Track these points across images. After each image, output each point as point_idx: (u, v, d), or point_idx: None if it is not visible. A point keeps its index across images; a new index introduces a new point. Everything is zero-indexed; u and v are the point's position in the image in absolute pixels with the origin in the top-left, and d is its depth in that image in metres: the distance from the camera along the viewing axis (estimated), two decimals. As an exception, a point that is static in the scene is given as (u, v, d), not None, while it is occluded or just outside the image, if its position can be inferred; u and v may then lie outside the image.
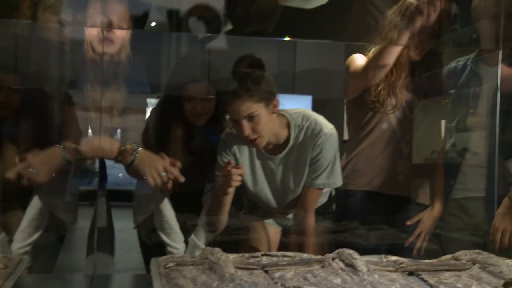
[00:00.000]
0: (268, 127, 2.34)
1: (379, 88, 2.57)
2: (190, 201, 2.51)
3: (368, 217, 2.63)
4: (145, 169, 2.19)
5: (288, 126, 2.42)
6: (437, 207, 2.66)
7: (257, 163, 2.46)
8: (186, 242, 2.45)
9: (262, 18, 2.48)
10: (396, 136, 2.64)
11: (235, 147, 2.43)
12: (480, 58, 2.74)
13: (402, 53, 2.54)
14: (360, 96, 2.63)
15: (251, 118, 2.29)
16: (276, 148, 2.43)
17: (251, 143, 2.36)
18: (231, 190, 2.34)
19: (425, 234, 2.65)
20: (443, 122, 2.82)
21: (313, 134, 2.39)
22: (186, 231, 2.47)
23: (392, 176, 2.64)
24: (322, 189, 2.47)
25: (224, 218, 2.40)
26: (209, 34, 2.67)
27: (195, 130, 2.48)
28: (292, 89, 3.12)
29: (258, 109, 2.29)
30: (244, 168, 2.39)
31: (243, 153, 2.45)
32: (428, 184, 2.70)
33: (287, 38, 2.70)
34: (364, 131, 2.65)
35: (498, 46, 2.59)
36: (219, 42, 2.72)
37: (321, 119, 2.45)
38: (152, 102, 2.58)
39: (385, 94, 2.58)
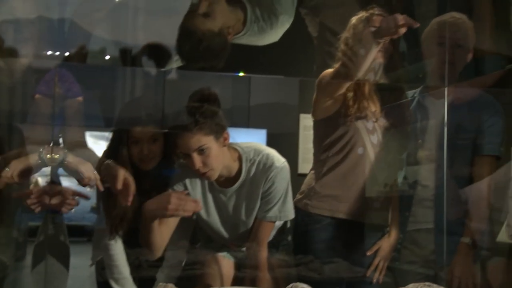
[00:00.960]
0: (219, 160, 2.35)
1: (352, 96, 2.59)
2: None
3: (328, 246, 2.62)
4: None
5: (240, 159, 2.43)
6: (394, 235, 2.69)
7: (209, 196, 2.46)
8: (139, 279, 2.42)
9: (210, 56, 2.50)
10: (371, 161, 2.64)
11: (187, 180, 2.43)
12: (427, 91, 2.83)
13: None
14: (333, 115, 2.63)
15: (201, 151, 2.30)
16: (227, 181, 2.44)
17: (202, 176, 2.36)
18: (170, 215, 2.31)
19: (384, 262, 2.67)
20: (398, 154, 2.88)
21: (265, 168, 2.41)
22: (139, 266, 2.44)
23: (366, 203, 2.63)
24: (274, 222, 2.48)
25: (157, 247, 2.38)
26: (163, 69, 2.68)
27: (144, 175, 2.45)
28: (247, 123, 3.15)
29: (208, 142, 2.30)
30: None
31: (195, 186, 2.45)
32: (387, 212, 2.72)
33: (241, 74, 2.73)
34: (338, 156, 2.62)
35: (444, 83, 2.69)
36: (175, 76, 2.73)
37: (273, 152, 2.47)
38: (106, 136, 2.55)
39: (360, 102, 2.60)
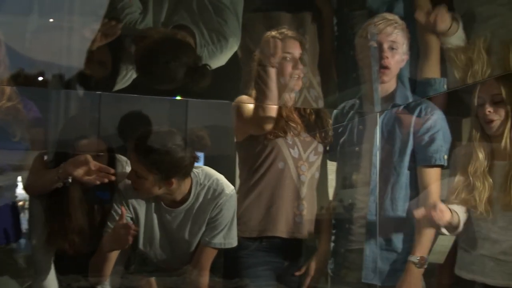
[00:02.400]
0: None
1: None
2: (77, 263, 2.43)
3: (258, 270, 2.61)
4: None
5: (190, 182, 2.42)
6: (323, 251, 2.73)
7: (154, 216, 2.44)
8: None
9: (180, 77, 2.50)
10: (292, 175, 2.66)
11: (133, 199, 2.40)
12: (360, 116, 2.90)
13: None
14: (252, 135, 2.66)
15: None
16: (175, 201, 2.42)
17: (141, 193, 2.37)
18: (121, 248, 2.30)
19: (314, 279, 2.68)
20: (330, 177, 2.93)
21: (214, 194, 2.42)
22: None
23: (291, 219, 2.64)
24: (218, 249, 2.48)
25: (108, 273, 2.36)
26: (99, 92, 2.65)
27: (88, 190, 2.42)
28: (185, 146, 3.13)
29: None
30: (140, 220, 2.39)
31: (141, 205, 2.42)
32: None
33: (178, 97, 2.73)
34: (259, 173, 2.64)
35: (375, 109, 2.76)
36: (110, 100, 2.71)
37: (222, 179, 2.48)
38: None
39: (279, 122, 2.62)
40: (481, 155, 2.44)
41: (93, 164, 2.30)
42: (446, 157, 2.62)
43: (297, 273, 2.68)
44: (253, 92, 2.62)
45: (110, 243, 2.33)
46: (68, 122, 2.63)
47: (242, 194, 2.67)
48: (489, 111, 2.40)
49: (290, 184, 2.64)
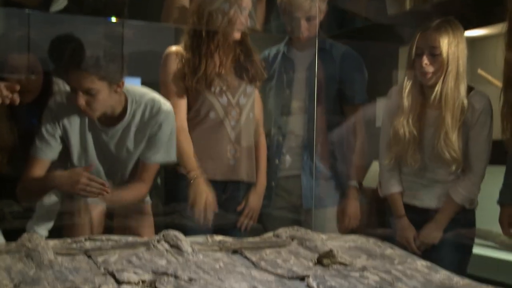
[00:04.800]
0: (105, 104, 2.33)
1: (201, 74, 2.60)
2: (9, 187, 2.37)
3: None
4: None
5: (126, 100, 2.40)
6: (260, 185, 2.77)
7: (89, 135, 2.41)
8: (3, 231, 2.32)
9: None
10: (223, 122, 2.67)
11: (64, 118, 2.36)
12: (291, 44, 2.92)
13: (225, 37, 2.59)
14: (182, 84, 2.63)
15: (89, 91, 2.27)
16: (110, 120, 2.40)
17: (84, 112, 2.33)
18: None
19: (253, 213, 2.74)
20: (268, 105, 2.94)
21: (152, 112, 2.41)
22: (3, 219, 2.34)
23: (224, 162, 2.67)
24: (158, 164, 2.49)
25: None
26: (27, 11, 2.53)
27: (19, 109, 2.34)
28: (120, 71, 3.05)
29: (100, 86, 2.28)
30: (71, 139, 2.37)
31: (74, 124, 2.39)
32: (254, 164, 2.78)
33: (113, 19, 2.64)
34: (191, 124, 2.66)
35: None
36: (40, 19, 2.59)
37: (158, 96, 2.46)
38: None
39: (211, 78, 2.61)
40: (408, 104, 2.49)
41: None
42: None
43: (239, 208, 2.73)
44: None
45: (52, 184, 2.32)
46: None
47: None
48: (426, 63, 2.43)
49: (221, 131, 2.66)
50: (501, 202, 2.48)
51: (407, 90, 2.50)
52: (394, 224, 2.64)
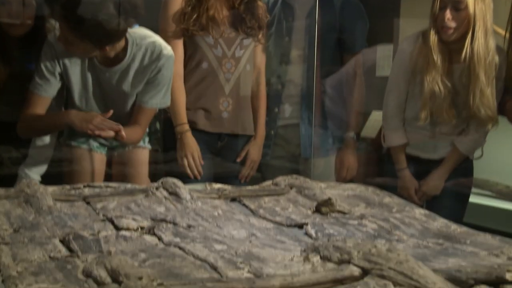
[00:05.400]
0: None
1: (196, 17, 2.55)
2: (7, 132, 2.36)
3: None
4: None
5: (126, 42, 2.34)
6: (259, 136, 2.75)
7: (88, 74, 2.37)
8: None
9: None
10: (216, 74, 2.63)
11: (65, 55, 2.31)
12: None
13: None
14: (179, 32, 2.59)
15: None
16: (110, 60, 2.35)
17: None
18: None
19: (254, 164, 2.74)
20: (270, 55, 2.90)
21: (153, 55, 2.37)
22: (1, 164, 2.34)
23: (216, 115, 2.64)
24: (155, 109, 2.48)
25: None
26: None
27: (12, 43, 2.31)
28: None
29: None
30: (71, 76, 2.33)
31: (74, 63, 2.34)
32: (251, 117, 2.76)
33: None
34: (186, 70, 2.62)
35: None
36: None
37: (159, 40, 2.41)
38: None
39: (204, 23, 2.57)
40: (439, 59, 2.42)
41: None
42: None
43: (238, 159, 2.72)
44: None
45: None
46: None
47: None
48: (448, 18, 2.35)
49: (214, 83, 2.62)
50: None
51: (435, 46, 2.42)
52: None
